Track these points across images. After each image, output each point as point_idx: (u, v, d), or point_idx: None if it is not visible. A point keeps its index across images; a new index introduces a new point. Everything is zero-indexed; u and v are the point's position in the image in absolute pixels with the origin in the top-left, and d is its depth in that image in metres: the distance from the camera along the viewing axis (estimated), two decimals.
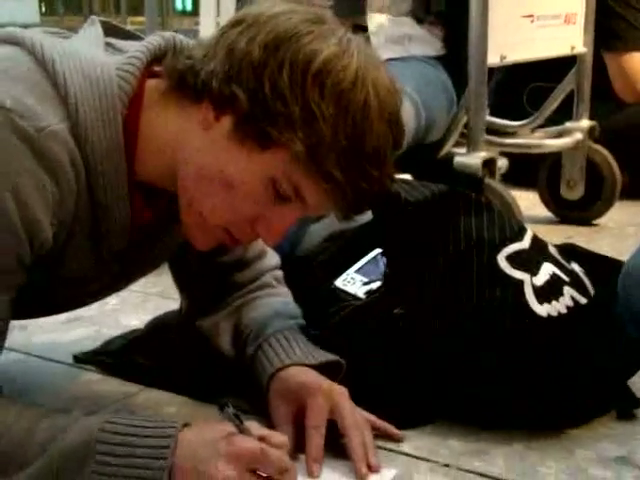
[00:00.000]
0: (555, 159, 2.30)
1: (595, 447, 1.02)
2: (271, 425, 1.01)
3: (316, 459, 0.94)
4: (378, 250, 1.27)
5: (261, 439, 0.83)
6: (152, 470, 0.80)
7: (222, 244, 1.00)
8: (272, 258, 1.23)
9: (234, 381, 1.13)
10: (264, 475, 0.82)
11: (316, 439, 0.95)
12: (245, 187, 0.90)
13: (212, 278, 1.18)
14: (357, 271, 1.25)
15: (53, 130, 0.86)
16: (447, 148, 1.96)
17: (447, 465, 0.98)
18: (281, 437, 0.86)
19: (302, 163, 0.87)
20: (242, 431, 0.83)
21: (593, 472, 0.96)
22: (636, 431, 1.06)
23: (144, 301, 1.54)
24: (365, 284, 1.22)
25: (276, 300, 1.17)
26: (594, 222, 2.27)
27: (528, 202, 2.29)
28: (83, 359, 1.27)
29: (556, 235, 1.93)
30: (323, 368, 1.03)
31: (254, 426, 0.85)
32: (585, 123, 2.23)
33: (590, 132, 2.24)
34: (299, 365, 1.03)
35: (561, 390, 1.03)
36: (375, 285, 1.20)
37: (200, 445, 0.82)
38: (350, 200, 0.91)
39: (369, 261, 1.27)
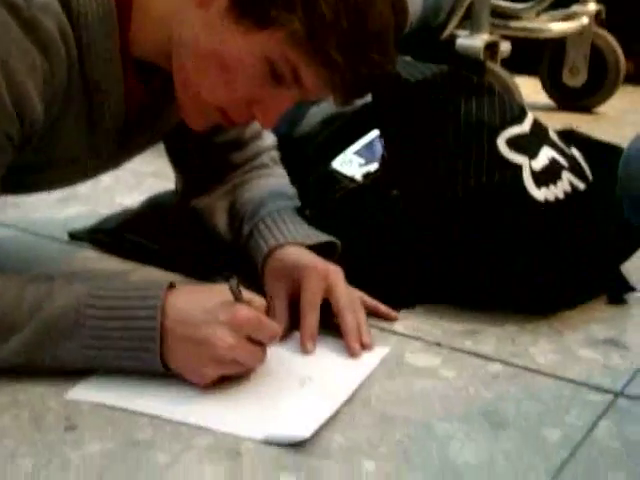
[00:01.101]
0: (558, 44, 2.26)
1: (585, 329, 1.04)
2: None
3: (310, 336, 0.96)
4: (377, 131, 1.26)
5: (252, 306, 0.86)
6: (143, 331, 0.83)
7: (218, 124, 0.99)
8: (268, 138, 1.22)
9: (230, 260, 1.14)
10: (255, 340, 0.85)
11: (310, 317, 0.97)
12: (241, 67, 0.88)
13: (208, 158, 1.17)
14: (355, 153, 1.25)
15: (43, 1, 0.83)
16: (450, 30, 1.91)
17: (439, 344, 1.00)
18: (262, 300, 0.89)
19: (300, 44, 0.85)
20: (238, 299, 0.85)
21: (582, 353, 0.99)
22: (625, 315, 1.08)
23: (139, 181, 1.54)
24: (362, 166, 1.21)
25: (272, 181, 1.17)
26: (594, 110, 2.25)
27: (529, 89, 2.26)
28: (78, 237, 1.27)
29: (556, 122, 1.91)
30: (318, 249, 1.04)
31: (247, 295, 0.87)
32: (592, 7, 2.18)
33: (596, 16, 2.20)
34: (295, 245, 1.04)
35: (555, 274, 1.04)
36: (373, 167, 1.20)
37: (196, 311, 0.84)
38: (349, 84, 0.89)
39: (367, 143, 1.26)
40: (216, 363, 0.84)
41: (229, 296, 0.85)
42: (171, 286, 0.87)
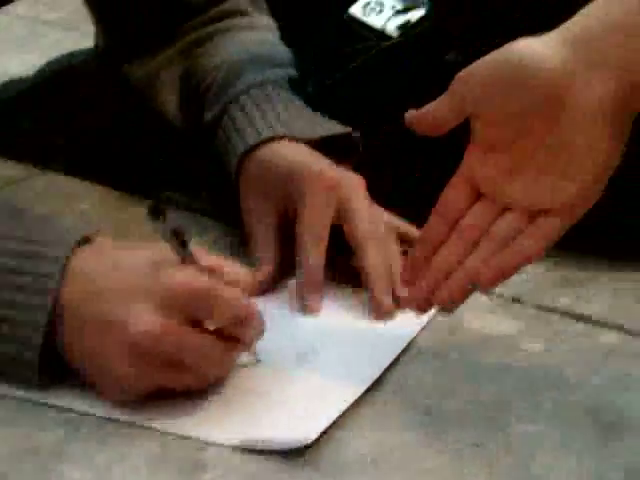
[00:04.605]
0: None
1: None
2: (242, 236, 1.04)
3: (313, 286, 0.97)
4: None
5: (210, 271, 0.82)
6: (29, 312, 0.80)
7: None
8: None
9: (181, 164, 1.15)
10: (210, 329, 0.81)
11: (314, 255, 0.97)
12: None
13: None
14: None
15: None
16: None
17: (518, 300, 1.01)
18: (241, 270, 0.86)
19: None
20: (184, 259, 0.81)
21: None
22: None
23: (34, 34, 1.54)
24: (399, 12, 1.21)
25: (253, 36, 1.17)
26: None
27: None
28: None
29: None
30: (327, 146, 1.05)
31: (200, 252, 0.84)
32: None
33: None
34: (289, 140, 1.04)
35: None
36: (415, 15, 1.19)
37: (109, 277, 0.81)
38: None
39: None
40: (133, 360, 0.79)
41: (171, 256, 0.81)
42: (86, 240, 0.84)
